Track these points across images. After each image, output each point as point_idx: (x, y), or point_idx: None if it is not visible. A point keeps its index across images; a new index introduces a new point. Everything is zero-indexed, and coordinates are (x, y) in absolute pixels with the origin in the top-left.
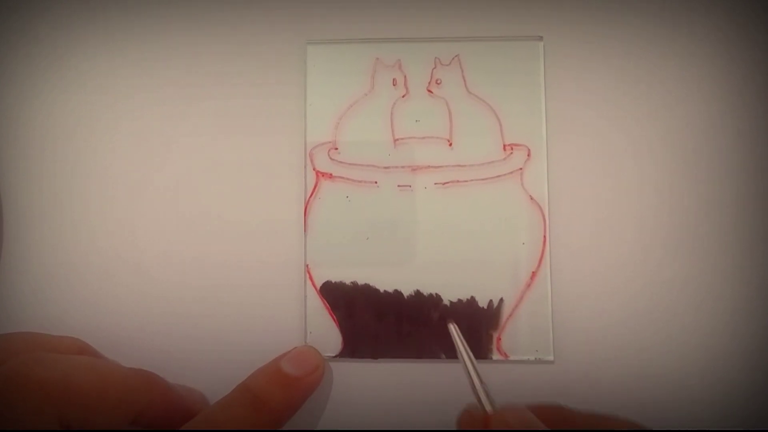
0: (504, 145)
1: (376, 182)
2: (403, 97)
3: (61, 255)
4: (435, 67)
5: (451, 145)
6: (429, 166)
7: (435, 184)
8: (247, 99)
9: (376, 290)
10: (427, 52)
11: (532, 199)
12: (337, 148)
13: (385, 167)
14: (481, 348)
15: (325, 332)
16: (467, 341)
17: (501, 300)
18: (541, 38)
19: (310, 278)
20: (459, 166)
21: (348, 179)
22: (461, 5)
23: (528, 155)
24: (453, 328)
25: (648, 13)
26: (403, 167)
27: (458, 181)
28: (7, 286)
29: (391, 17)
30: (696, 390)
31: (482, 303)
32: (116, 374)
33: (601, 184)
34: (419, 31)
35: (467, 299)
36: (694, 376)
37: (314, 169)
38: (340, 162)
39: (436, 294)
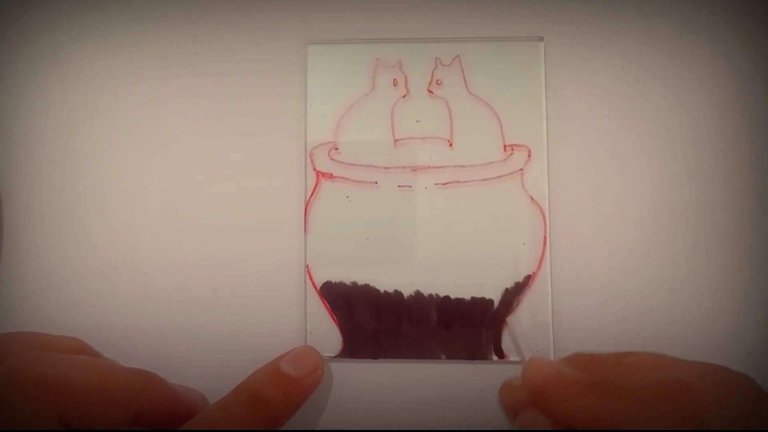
0: (504, 146)
1: (376, 182)
2: (403, 97)
3: (61, 255)
4: (435, 68)
5: (451, 145)
6: (429, 167)
7: (435, 184)
8: (247, 99)
9: (376, 290)
10: (428, 53)
11: (532, 199)
12: (337, 148)
13: (386, 167)
14: (480, 348)
15: (325, 332)
16: (467, 340)
17: (501, 300)
18: (541, 39)
19: (311, 278)
20: (459, 166)
21: (348, 179)
22: (462, 6)
23: (528, 156)
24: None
25: (648, 14)
26: (403, 167)
27: (458, 182)
28: (7, 286)
29: (392, 17)
30: None
31: (482, 303)
32: (116, 374)
33: (601, 185)
34: (420, 32)
35: (467, 299)
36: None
37: (314, 169)
38: (341, 162)
39: (436, 294)
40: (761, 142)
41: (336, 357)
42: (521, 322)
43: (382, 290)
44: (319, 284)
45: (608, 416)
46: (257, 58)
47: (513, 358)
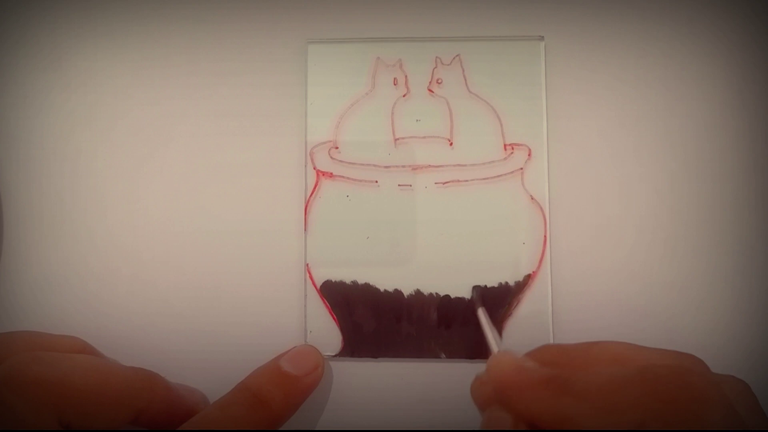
0: (505, 145)
1: (376, 181)
2: (403, 96)
3: (60, 255)
4: (436, 67)
5: (451, 144)
6: (429, 166)
7: (435, 183)
8: (247, 99)
9: (377, 289)
10: (428, 52)
11: (532, 198)
12: (337, 148)
13: (386, 166)
14: (480, 347)
15: (325, 331)
16: (467, 340)
17: (501, 299)
18: (542, 38)
19: (311, 277)
20: (459, 165)
21: (348, 178)
22: (462, 5)
23: (529, 155)
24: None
25: (648, 13)
26: (403, 166)
27: (459, 181)
28: (7, 286)
29: (392, 16)
30: None
31: (482, 302)
32: (116, 373)
33: (601, 184)
34: (420, 31)
35: (467, 298)
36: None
37: (315, 169)
38: (341, 161)
39: (436, 293)
40: (761, 142)
41: (336, 356)
42: (521, 317)
43: (382, 289)
44: (319, 283)
45: (564, 412)
46: (257, 57)
47: None
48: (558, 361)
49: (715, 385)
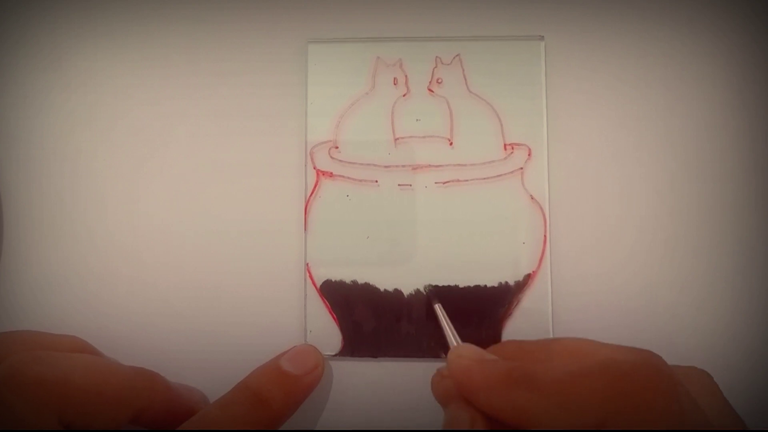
0: (505, 145)
1: (376, 181)
2: (403, 96)
3: (60, 255)
4: (436, 67)
5: (451, 144)
6: (429, 165)
7: (435, 183)
8: (247, 98)
9: (376, 289)
10: (428, 52)
11: (532, 198)
12: (337, 147)
13: (386, 166)
14: (480, 347)
15: (325, 331)
16: (467, 339)
17: (501, 299)
18: (542, 38)
19: (311, 277)
20: (459, 165)
21: (348, 178)
22: (462, 4)
23: (529, 155)
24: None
25: (649, 13)
26: (403, 166)
27: (459, 181)
28: (7, 286)
29: (392, 16)
30: None
31: (482, 302)
32: (116, 373)
33: (601, 184)
34: (420, 31)
35: (467, 298)
36: None
37: (315, 168)
38: (341, 161)
39: None
40: (761, 142)
41: (336, 355)
42: (520, 317)
43: (382, 289)
44: (319, 283)
45: (521, 406)
46: (257, 57)
47: None
48: (519, 356)
49: (674, 379)
